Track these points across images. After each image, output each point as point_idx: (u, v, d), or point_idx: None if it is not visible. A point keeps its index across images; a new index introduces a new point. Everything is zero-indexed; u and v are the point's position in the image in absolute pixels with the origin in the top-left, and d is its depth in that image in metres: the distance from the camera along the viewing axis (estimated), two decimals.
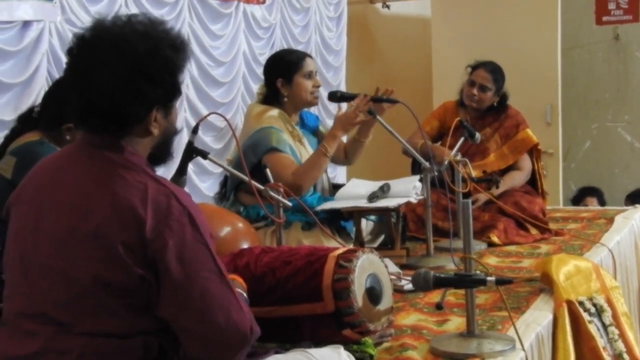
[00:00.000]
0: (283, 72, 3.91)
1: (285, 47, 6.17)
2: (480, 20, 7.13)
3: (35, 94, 4.10)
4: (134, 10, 4.74)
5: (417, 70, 7.89)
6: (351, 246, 3.20)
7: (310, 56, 4.03)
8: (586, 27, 7.51)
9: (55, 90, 3.36)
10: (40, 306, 1.93)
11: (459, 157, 3.85)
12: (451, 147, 3.93)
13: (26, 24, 4.14)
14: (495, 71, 4.53)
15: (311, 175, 3.72)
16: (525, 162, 4.55)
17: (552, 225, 4.26)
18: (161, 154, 2.11)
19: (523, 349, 2.45)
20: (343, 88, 6.97)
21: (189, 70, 5.27)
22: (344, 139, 4.05)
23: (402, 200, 3.60)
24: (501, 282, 2.39)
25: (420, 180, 3.68)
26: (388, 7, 8.11)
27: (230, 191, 3.87)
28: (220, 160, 3.54)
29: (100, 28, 1.99)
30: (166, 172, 2.78)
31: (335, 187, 4.09)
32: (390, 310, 2.48)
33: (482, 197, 4.19)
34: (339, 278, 2.34)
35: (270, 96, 3.94)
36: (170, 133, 2.10)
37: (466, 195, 3.79)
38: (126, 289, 1.89)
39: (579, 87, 7.59)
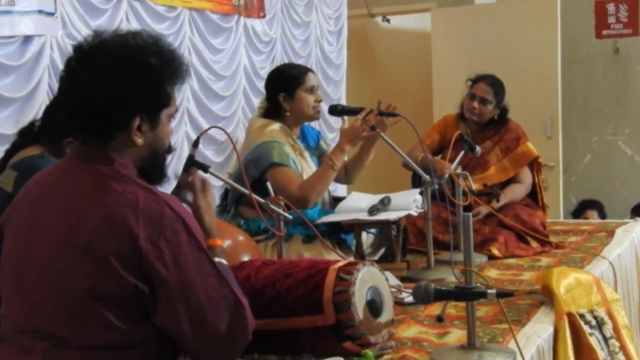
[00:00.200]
0: (285, 86, 3.91)
1: (286, 61, 6.20)
2: (480, 34, 7.16)
3: (37, 109, 4.12)
4: (134, 24, 4.77)
5: (417, 84, 7.91)
6: (352, 259, 3.20)
7: (312, 71, 4.04)
8: (586, 40, 7.53)
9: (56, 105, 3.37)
10: (37, 322, 1.93)
11: (459, 170, 3.85)
12: (451, 161, 3.93)
13: (27, 39, 4.16)
14: (495, 84, 4.54)
15: (318, 189, 3.72)
16: (526, 175, 4.56)
17: (553, 238, 4.25)
18: (152, 171, 2.07)
19: None
20: (343, 102, 7.00)
21: (189, 84, 5.30)
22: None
23: (403, 213, 3.60)
24: (502, 294, 2.38)
25: (421, 193, 3.68)
26: (388, 20, 8.15)
27: (231, 204, 3.87)
28: (221, 173, 3.55)
29: (98, 39, 2.01)
30: (167, 187, 2.79)
31: (336, 200, 4.10)
32: (391, 323, 2.48)
33: (483, 210, 4.19)
34: (340, 290, 2.34)
35: (272, 110, 3.95)
36: (158, 148, 2.07)
37: (467, 208, 3.79)
38: (122, 300, 1.89)
39: (579, 101, 7.60)
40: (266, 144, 3.77)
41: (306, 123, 4.11)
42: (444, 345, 2.60)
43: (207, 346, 1.98)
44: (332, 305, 2.34)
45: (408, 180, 4.59)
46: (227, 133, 2.98)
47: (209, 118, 5.49)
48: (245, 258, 2.94)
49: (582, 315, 2.95)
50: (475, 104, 4.49)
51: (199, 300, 1.93)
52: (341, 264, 2.45)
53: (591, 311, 3.02)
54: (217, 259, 2.04)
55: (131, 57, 1.97)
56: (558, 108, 7.05)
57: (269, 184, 3.19)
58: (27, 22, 4.10)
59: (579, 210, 6.90)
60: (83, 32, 4.32)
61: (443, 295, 2.40)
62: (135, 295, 1.89)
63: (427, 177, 3.56)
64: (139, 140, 2.00)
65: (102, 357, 1.90)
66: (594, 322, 2.99)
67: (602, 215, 6.68)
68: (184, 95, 5.25)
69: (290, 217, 3.00)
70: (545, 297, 3.03)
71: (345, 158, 4.06)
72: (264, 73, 5.87)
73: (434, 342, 2.65)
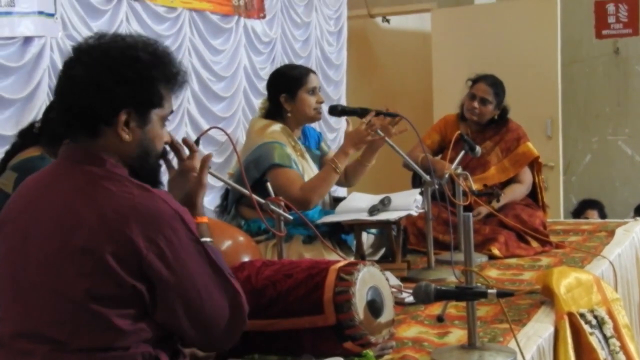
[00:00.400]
0: (287, 87, 3.91)
1: (286, 61, 6.20)
2: (480, 34, 7.16)
3: (37, 110, 4.12)
4: (134, 25, 4.77)
5: (417, 84, 7.92)
6: (352, 259, 3.20)
7: (313, 72, 4.03)
8: (586, 40, 7.53)
9: None
10: (34, 326, 1.92)
11: (459, 171, 3.86)
12: (452, 161, 3.93)
13: (28, 40, 4.16)
14: (495, 84, 4.54)
15: (320, 191, 3.72)
16: (526, 176, 4.56)
17: (553, 238, 4.26)
18: (143, 173, 2.05)
19: None
20: (344, 102, 7.00)
21: (190, 85, 5.30)
22: None
23: (403, 214, 3.61)
24: (502, 294, 2.38)
25: (421, 193, 3.68)
26: (388, 21, 8.16)
27: (232, 205, 3.87)
28: (221, 174, 3.55)
29: (95, 39, 2.03)
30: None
31: (336, 201, 4.10)
32: (392, 323, 2.48)
33: (484, 210, 4.19)
34: (340, 291, 2.35)
35: (273, 111, 3.95)
36: (148, 148, 2.06)
37: (467, 209, 3.79)
38: (120, 300, 1.89)
39: (579, 101, 7.60)
40: (267, 145, 3.77)
41: (307, 124, 4.11)
42: (445, 345, 2.61)
43: (208, 338, 2.02)
44: (332, 305, 2.34)
45: (408, 180, 4.59)
46: (227, 134, 2.98)
47: (209, 119, 5.50)
48: (246, 258, 2.94)
49: (582, 315, 2.95)
50: (476, 104, 4.49)
51: (199, 296, 1.95)
52: (341, 264, 2.45)
53: (591, 311, 3.02)
54: (204, 239, 2.05)
55: (120, 50, 1.98)
56: (558, 108, 7.05)
57: (269, 184, 3.19)
58: (27, 23, 4.11)
59: (579, 210, 6.91)
60: (83, 33, 4.32)
61: (443, 295, 2.41)
62: (134, 294, 1.89)
63: (428, 178, 3.56)
64: (126, 136, 1.99)
65: (101, 359, 1.89)
66: (594, 322, 2.99)
67: (603, 215, 6.69)
68: (184, 96, 5.26)
69: (291, 217, 3.00)
70: (546, 296, 3.03)
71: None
72: (264, 74, 5.89)
73: (435, 342, 2.65)
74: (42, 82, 4.21)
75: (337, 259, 2.84)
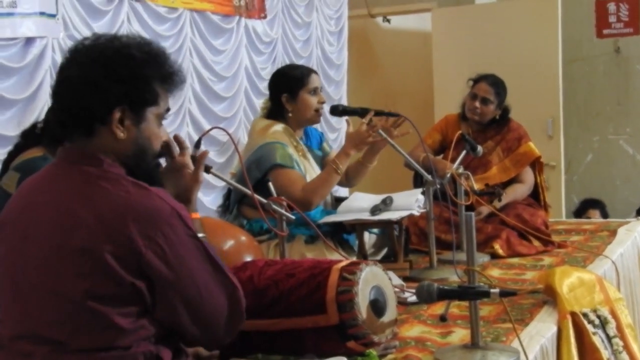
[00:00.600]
0: (288, 87, 3.91)
1: (287, 61, 6.21)
2: (481, 34, 7.16)
3: (39, 110, 4.13)
4: (136, 25, 4.77)
5: (418, 84, 7.91)
6: (354, 259, 3.20)
7: (315, 72, 4.03)
8: (587, 40, 7.53)
9: None
10: (34, 327, 1.92)
11: (461, 170, 3.86)
12: (453, 161, 3.93)
13: (29, 41, 4.16)
14: (497, 84, 4.54)
15: (321, 192, 3.72)
16: (528, 175, 4.56)
17: (555, 238, 4.25)
18: (139, 172, 2.04)
19: None
20: (344, 102, 7.00)
21: (191, 85, 5.30)
22: None
23: (405, 213, 3.61)
24: (505, 293, 2.38)
25: (423, 193, 3.68)
26: (389, 21, 8.16)
27: (234, 205, 3.87)
28: (223, 174, 3.55)
29: (91, 40, 2.04)
30: None
31: (338, 201, 4.10)
32: (394, 322, 2.48)
33: (485, 209, 4.19)
34: (343, 290, 2.34)
35: (275, 111, 3.95)
36: (144, 147, 2.06)
37: (469, 208, 3.80)
38: (120, 299, 1.88)
39: (580, 100, 7.60)
40: (269, 145, 3.76)
41: (309, 126, 4.10)
42: (448, 345, 2.61)
43: (208, 333, 2.03)
44: (335, 305, 2.33)
45: (410, 180, 4.59)
46: (228, 133, 2.98)
47: (211, 119, 5.50)
48: (248, 258, 2.93)
49: (585, 315, 2.95)
50: (477, 104, 4.49)
51: (198, 292, 1.96)
52: (344, 263, 2.45)
53: (594, 310, 3.02)
54: (200, 235, 2.05)
55: (115, 49, 1.99)
56: (559, 107, 7.05)
57: (271, 184, 3.18)
58: (28, 24, 4.11)
59: (581, 210, 6.91)
60: (84, 33, 4.33)
61: (446, 294, 2.40)
62: (134, 292, 1.89)
63: (429, 177, 3.56)
64: (121, 134, 1.99)
65: (102, 359, 1.89)
66: (597, 321, 2.99)
67: (604, 215, 6.69)
68: (186, 96, 5.26)
69: (293, 217, 3.00)
70: (548, 296, 3.03)
71: None
72: (265, 74, 5.89)
73: (438, 342, 2.65)
74: (44, 82, 4.21)
75: (340, 258, 2.84)
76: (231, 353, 2.39)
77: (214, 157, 5.50)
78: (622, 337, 3.05)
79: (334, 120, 6.80)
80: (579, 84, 7.58)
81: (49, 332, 1.90)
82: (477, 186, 4.01)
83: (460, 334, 2.71)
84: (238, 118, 5.85)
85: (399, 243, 3.67)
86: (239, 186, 3.06)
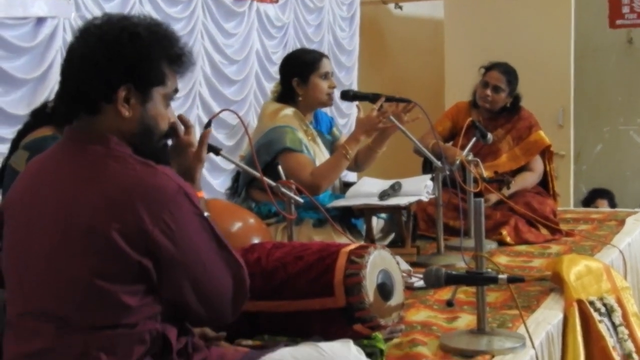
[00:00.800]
0: (299, 71, 3.90)
1: (298, 46, 6.20)
2: (493, 22, 7.14)
3: (49, 90, 4.13)
4: (147, 7, 4.77)
5: (429, 71, 7.89)
6: (362, 243, 3.21)
7: (326, 57, 4.02)
8: (600, 30, 7.49)
9: None
10: (42, 305, 1.93)
11: (470, 157, 3.86)
12: (463, 148, 3.94)
13: (40, 21, 4.16)
14: (508, 72, 4.53)
15: (330, 177, 3.72)
16: (537, 164, 4.56)
17: (563, 226, 4.26)
18: (146, 152, 2.03)
19: (533, 347, 2.45)
20: (355, 88, 6.99)
21: (201, 68, 5.30)
22: None
23: (413, 199, 3.61)
24: (513, 280, 2.38)
25: (432, 179, 3.68)
26: (401, 7, 8.12)
27: (242, 187, 3.87)
28: (232, 156, 3.55)
29: (101, 19, 2.04)
30: None
31: (346, 185, 4.10)
32: (401, 306, 2.48)
33: (493, 197, 4.19)
34: (351, 273, 2.35)
35: (285, 95, 3.94)
36: (150, 126, 2.05)
37: (477, 195, 3.79)
38: (126, 277, 1.89)
39: (592, 90, 7.57)
40: (279, 129, 3.76)
41: (319, 109, 4.10)
42: (454, 330, 2.62)
43: (213, 312, 2.03)
44: (342, 288, 2.34)
45: (419, 166, 4.59)
46: (238, 116, 2.98)
47: (221, 102, 5.49)
48: (256, 240, 2.94)
49: (591, 303, 2.95)
50: (488, 92, 4.49)
51: (204, 270, 1.97)
52: (352, 247, 2.45)
53: (601, 299, 3.03)
54: (205, 214, 2.05)
55: (122, 28, 1.99)
56: (570, 97, 7.03)
57: (280, 168, 3.19)
58: (40, 3, 4.11)
59: (589, 199, 6.90)
60: (96, 14, 4.29)
61: (454, 279, 2.41)
62: (140, 270, 1.89)
63: (439, 163, 3.56)
64: (126, 112, 1.99)
65: (108, 337, 1.89)
66: (603, 310, 3.00)
67: (612, 205, 6.67)
68: (196, 79, 5.26)
69: (301, 200, 3.00)
70: (555, 284, 3.03)
71: None
72: (276, 58, 5.88)
73: (443, 327, 2.66)
74: (55, 62, 4.21)
75: (347, 242, 2.84)
76: (238, 334, 2.40)
77: (224, 139, 5.50)
78: (628, 325, 3.06)
79: (344, 105, 6.79)
80: (591, 74, 7.55)
81: (56, 310, 1.90)
82: (486, 174, 4.01)
83: (466, 320, 2.72)
84: (248, 101, 5.84)
85: (407, 228, 3.68)
86: (249, 169, 3.07)
